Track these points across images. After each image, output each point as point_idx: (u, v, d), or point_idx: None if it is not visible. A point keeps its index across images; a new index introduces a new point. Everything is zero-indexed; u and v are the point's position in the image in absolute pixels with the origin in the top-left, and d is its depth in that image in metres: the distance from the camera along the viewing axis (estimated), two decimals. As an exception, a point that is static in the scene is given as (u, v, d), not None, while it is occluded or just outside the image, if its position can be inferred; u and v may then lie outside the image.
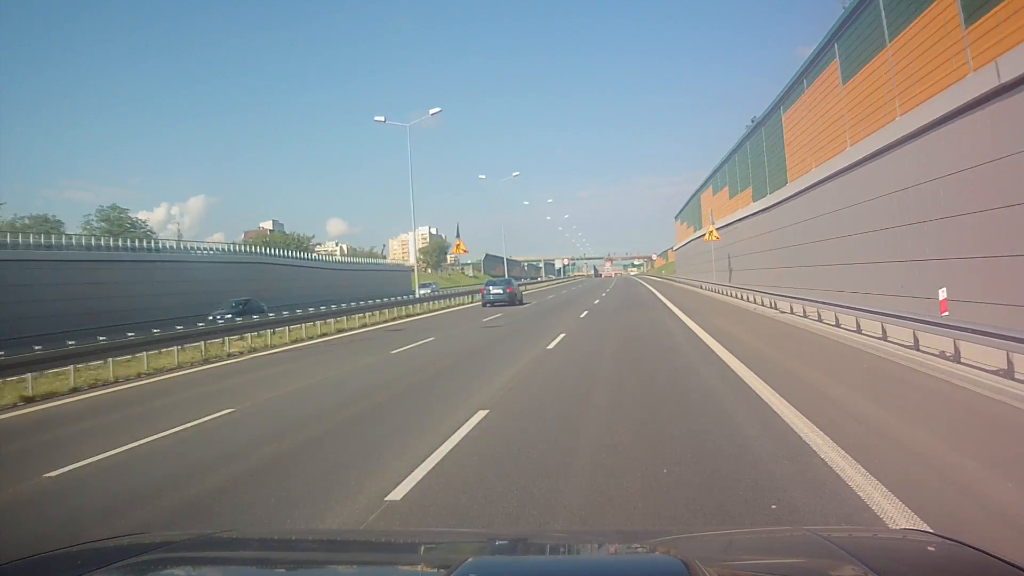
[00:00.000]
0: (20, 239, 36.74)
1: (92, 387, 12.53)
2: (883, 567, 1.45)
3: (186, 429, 7.83)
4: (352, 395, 9.55)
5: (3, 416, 9.88)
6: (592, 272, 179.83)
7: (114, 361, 14.69)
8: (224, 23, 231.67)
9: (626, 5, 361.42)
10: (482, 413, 7.51)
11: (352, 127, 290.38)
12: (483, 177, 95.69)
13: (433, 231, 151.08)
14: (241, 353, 17.10)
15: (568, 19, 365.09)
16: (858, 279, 17.89)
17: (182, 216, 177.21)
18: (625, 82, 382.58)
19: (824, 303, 16.57)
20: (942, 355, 10.23)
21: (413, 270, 43.87)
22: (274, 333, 20.38)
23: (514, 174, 71.20)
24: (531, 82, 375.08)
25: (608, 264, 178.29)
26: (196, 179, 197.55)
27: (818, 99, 21.80)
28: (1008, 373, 8.09)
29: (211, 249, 53.23)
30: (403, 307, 31.45)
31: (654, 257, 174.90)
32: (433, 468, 5.47)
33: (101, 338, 15.31)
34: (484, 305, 34.04)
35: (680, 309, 25.02)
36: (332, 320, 23.65)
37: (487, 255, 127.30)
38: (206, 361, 15.73)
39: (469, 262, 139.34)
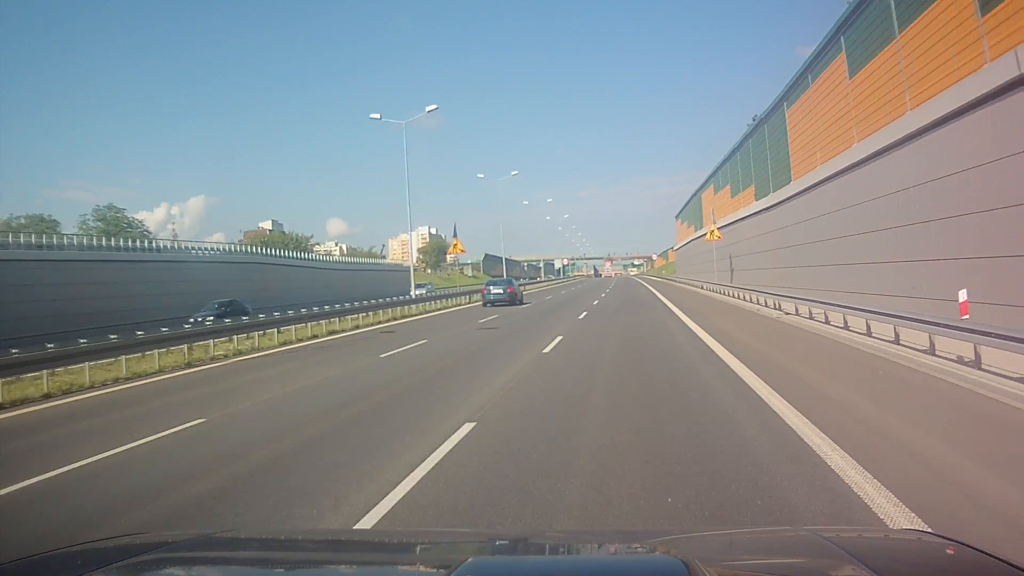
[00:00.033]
0: (13, 239, 36.40)
1: (66, 392, 11.94)
2: (883, 567, 1.44)
3: (143, 444, 7.21)
4: (329, 406, 8.92)
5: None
6: (592, 272, 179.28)
7: (95, 365, 14.16)
8: (224, 23, 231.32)
9: (626, 5, 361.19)
10: (468, 427, 6.90)
11: (352, 127, 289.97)
12: (482, 176, 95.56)
13: (433, 231, 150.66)
14: (226, 356, 16.50)
15: (568, 19, 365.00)
16: (866, 280, 17.29)
17: (182, 216, 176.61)
18: (625, 82, 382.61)
19: (831, 304, 15.95)
20: (960, 360, 9.65)
21: (410, 270, 43.12)
22: (263, 335, 19.79)
23: (512, 173, 70.38)
24: (531, 82, 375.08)
25: (608, 264, 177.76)
26: (196, 179, 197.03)
27: (824, 94, 21.19)
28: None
29: (209, 249, 52.92)
30: (398, 308, 30.83)
31: (654, 257, 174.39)
32: (403, 497, 4.85)
33: (82, 341, 14.77)
34: (485, 305, 34.05)
35: (681, 310, 24.41)
36: (324, 321, 23.04)
37: (486, 255, 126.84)
38: (188, 365, 15.13)
39: (468, 262, 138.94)
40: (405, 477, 5.25)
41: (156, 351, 15.20)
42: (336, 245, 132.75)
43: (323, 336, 20.98)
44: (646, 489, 4.69)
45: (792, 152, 25.38)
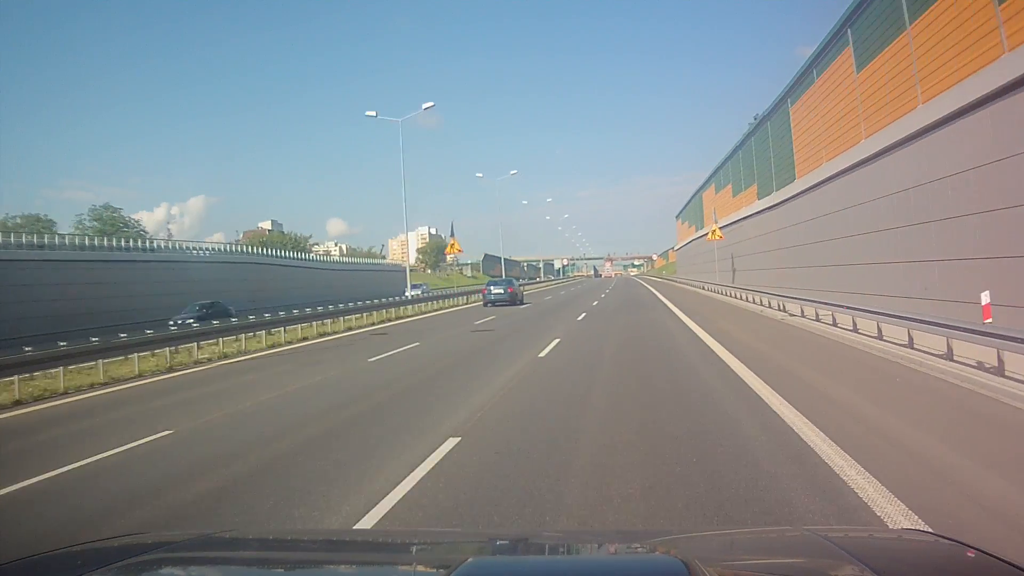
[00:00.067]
0: (4, 239, 35.96)
1: (38, 399, 11.38)
2: (883, 567, 1.43)
3: (95, 462, 6.60)
4: (306, 416, 8.30)
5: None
6: (592, 272, 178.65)
7: (72, 369, 13.59)
8: (224, 23, 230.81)
9: (626, 5, 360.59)
10: (452, 442, 6.30)
11: (352, 127, 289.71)
12: (480, 175, 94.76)
13: (433, 231, 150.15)
14: (210, 360, 15.89)
15: (568, 19, 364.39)
16: (874, 280, 16.68)
17: (182, 216, 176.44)
18: (625, 82, 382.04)
19: (838, 306, 15.33)
20: (980, 366, 9.05)
21: (406, 270, 42.49)
22: (253, 336, 19.19)
23: (511, 172, 69.60)
24: (531, 82, 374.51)
25: (608, 264, 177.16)
26: (196, 179, 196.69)
27: (830, 90, 20.57)
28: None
29: (206, 249, 52.52)
30: (393, 309, 30.23)
31: (654, 257, 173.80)
32: (377, 523, 4.28)
33: (62, 343, 14.18)
34: (485, 305, 34.07)
35: (683, 311, 23.79)
36: (316, 323, 22.42)
37: (486, 255, 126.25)
38: (170, 369, 14.52)
39: (468, 262, 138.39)
40: (364, 515, 4.52)
41: (136, 355, 14.62)
42: (336, 245, 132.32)
43: (313, 338, 20.36)
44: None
45: (796, 150, 24.76)
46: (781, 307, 20.47)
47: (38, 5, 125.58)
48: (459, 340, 17.80)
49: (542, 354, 13.07)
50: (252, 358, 16.07)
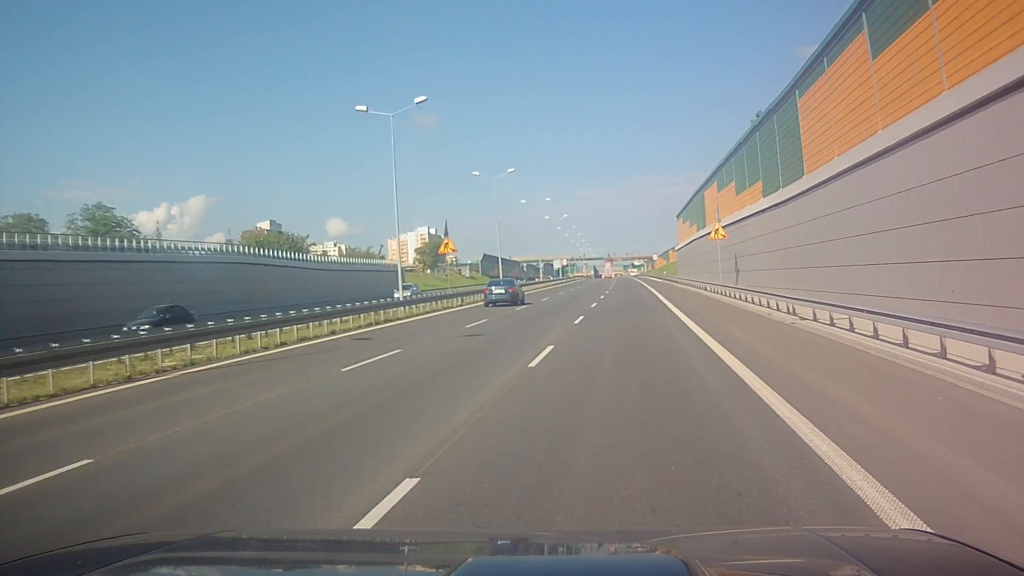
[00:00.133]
0: (4, 239, 35.44)
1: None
2: (883, 567, 1.43)
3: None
4: (248, 442, 7.08)
5: None
6: (592, 273, 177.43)
7: (21, 379, 12.42)
8: (224, 23, 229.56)
9: (626, 5, 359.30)
10: (407, 486, 5.08)
11: (352, 127, 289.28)
12: (477, 174, 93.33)
13: (432, 231, 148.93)
14: (175, 367, 14.68)
15: (568, 19, 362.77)
16: (892, 282, 15.43)
17: (182, 216, 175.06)
18: (625, 82, 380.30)
19: (855, 309, 14.12)
20: (1030, 381, 7.84)
21: (398, 270, 41.18)
22: (231, 341, 17.95)
23: (509, 170, 68.42)
24: (531, 82, 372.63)
25: (608, 265, 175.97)
26: (196, 179, 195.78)
27: (842, 78, 19.32)
28: None
29: (200, 250, 51.74)
30: (385, 311, 29.01)
31: (655, 257, 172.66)
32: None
33: (18, 350, 13.03)
34: (486, 304, 34.22)
35: (687, 315, 22.58)
36: (297, 327, 21.17)
37: (485, 255, 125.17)
38: (128, 379, 13.30)
39: (468, 263, 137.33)
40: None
41: (90, 363, 13.39)
42: (335, 245, 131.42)
43: (293, 343, 19.13)
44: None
45: (805, 144, 23.51)
46: (791, 310, 19.24)
47: (38, 5, 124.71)
48: (445, 346, 16.57)
49: (533, 363, 11.85)
50: (219, 366, 14.83)
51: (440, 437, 6.66)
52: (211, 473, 5.97)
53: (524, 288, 45.63)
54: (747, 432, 6.32)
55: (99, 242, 42.63)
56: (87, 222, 63.88)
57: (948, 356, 9.83)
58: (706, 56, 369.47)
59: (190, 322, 20.54)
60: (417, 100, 33.25)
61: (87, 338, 14.96)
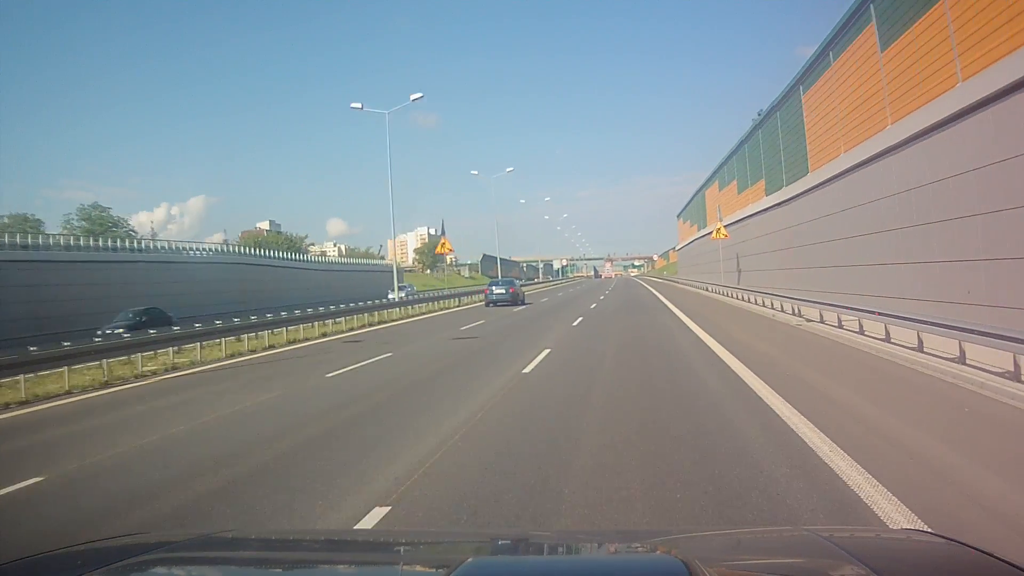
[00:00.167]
0: None
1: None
2: (883, 567, 1.42)
3: None
4: (208, 460, 6.41)
5: None
6: (592, 273, 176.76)
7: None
8: (224, 23, 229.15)
9: (626, 5, 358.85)
10: (378, 515, 4.49)
11: (352, 127, 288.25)
12: (476, 173, 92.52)
13: (432, 231, 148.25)
14: (155, 372, 14.07)
15: (568, 19, 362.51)
16: (902, 283, 14.86)
17: (182, 216, 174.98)
18: (625, 82, 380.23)
19: (864, 311, 13.51)
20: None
21: (393, 271, 40.57)
22: (215, 345, 17.34)
23: (508, 169, 67.93)
24: (531, 82, 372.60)
25: (608, 265, 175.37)
26: (196, 179, 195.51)
27: (849, 72, 18.72)
28: None
29: (198, 250, 51.20)
30: (379, 312, 28.40)
31: (655, 258, 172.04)
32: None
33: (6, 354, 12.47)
34: (487, 305, 34.20)
35: (689, 316, 21.97)
36: (287, 328, 20.56)
37: (484, 256, 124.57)
38: (106, 384, 12.69)
39: (467, 263, 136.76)
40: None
41: (65, 368, 12.80)
42: (335, 246, 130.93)
43: (281, 346, 18.51)
44: None
45: (809, 141, 22.92)
46: (796, 311, 18.64)
47: (38, 5, 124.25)
48: (437, 349, 15.96)
49: (527, 369, 11.24)
50: (201, 371, 14.22)
51: (419, 455, 6.04)
52: (162, 496, 5.37)
53: (524, 288, 45.13)
54: (775, 472, 5.71)
55: (94, 242, 42.30)
56: (83, 222, 63.38)
57: (968, 361, 9.24)
58: (706, 56, 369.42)
59: (169, 325, 19.87)
60: (413, 97, 32.68)
61: (68, 341, 14.42)
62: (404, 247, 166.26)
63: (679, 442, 6.15)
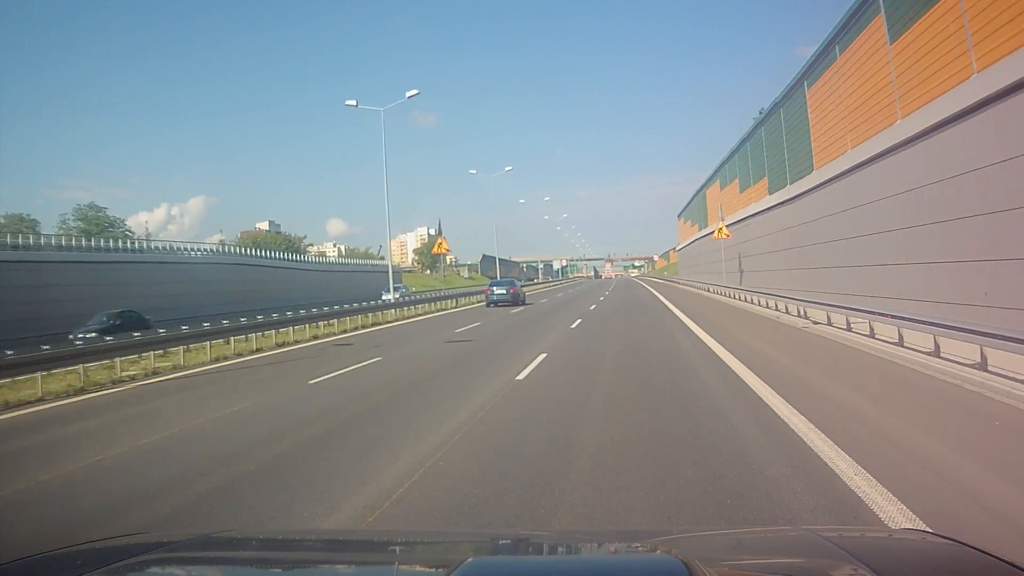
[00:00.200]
0: None
1: None
2: (883, 567, 1.41)
3: None
4: (165, 482, 5.81)
5: None
6: (592, 273, 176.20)
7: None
8: (224, 23, 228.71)
9: (626, 5, 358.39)
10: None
11: (352, 127, 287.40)
12: (474, 172, 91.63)
13: (431, 231, 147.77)
14: (134, 378, 13.49)
15: (568, 19, 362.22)
16: (916, 284, 14.26)
17: (182, 216, 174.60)
18: (625, 82, 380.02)
19: (875, 313, 12.92)
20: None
21: (388, 271, 39.96)
22: (201, 348, 16.75)
23: (506, 169, 67.41)
24: (531, 82, 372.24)
25: (608, 265, 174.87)
26: (196, 179, 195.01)
27: (856, 66, 18.13)
28: None
29: (196, 250, 50.86)
30: (374, 313, 27.82)
31: (655, 258, 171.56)
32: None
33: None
34: (488, 305, 34.38)
35: (691, 319, 21.39)
36: (277, 331, 19.98)
37: (484, 256, 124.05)
38: (81, 390, 12.11)
39: (467, 263, 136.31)
40: None
41: (39, 374, 12.21)
42: (334, 246, 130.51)
43: (268, 349, 17.91)
44: None
45: (814, 137, 22.32)
46: (802, 313, 18.05)
47: (38, 5, 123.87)
48: (429, 353, 15.37)
49: (521, 376, 10.65)
50: (182, 376, 13.62)
51: (401, 472, 5.47)
52: (120, 516, 4.79)
53: (523, 289, 44.69)
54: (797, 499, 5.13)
55: (88, 242, 42.06)
56: (79, 222, 62.98)
57: (989, 368, 8.65)
58: (706, 56, 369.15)
59: (145, 328, 19.25)
60: (409, 94, 32.07)
61: (47, 345, 13.84)
62: (404, 247, 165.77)
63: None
